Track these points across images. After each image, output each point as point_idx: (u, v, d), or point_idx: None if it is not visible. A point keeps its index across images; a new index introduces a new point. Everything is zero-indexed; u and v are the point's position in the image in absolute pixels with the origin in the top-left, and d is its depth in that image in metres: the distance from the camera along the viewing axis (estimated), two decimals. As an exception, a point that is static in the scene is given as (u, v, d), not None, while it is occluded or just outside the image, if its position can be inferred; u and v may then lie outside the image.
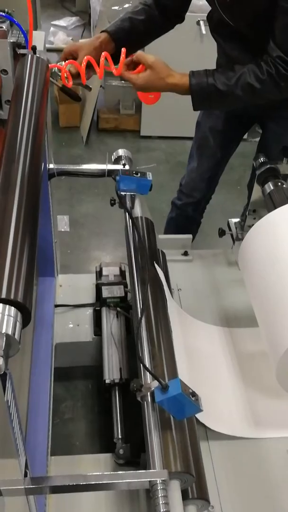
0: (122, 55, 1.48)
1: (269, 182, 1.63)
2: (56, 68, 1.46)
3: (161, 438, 1.11)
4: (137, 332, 1.31)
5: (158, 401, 1.10)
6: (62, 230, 1.91)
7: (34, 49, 1.27)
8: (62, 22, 5.17)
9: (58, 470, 1.42)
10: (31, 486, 0.95)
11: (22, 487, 0.95)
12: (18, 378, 1.42)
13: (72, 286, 1.98)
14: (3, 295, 0.72)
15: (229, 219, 1.93)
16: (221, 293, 1.89)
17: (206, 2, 1.64)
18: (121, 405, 1.61)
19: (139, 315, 1.31)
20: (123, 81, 1.56)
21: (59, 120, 3.74)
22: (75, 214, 2.97)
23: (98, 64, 1.45)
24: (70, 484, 0.98)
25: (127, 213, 1.52)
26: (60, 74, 1.46)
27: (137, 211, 1.65)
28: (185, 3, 1.71)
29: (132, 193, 1.52)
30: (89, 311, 1.90)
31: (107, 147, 3.59)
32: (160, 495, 0.99)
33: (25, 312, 0.73)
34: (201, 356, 1.62)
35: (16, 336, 0.70)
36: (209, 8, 1.66)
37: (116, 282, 1.88)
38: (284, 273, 1.33)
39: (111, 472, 1.38)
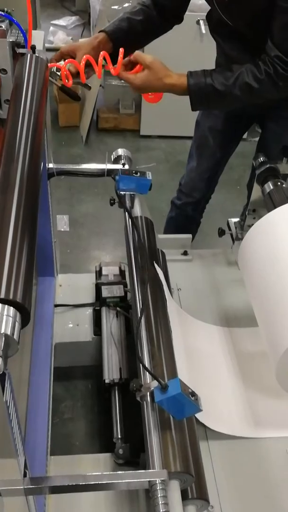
0: (120, 55, 1.48)
1: (269, 182, 1.63)
2: (55, 68, 1.46)
3: (160, 438, 1.11)
4: (137, 332, 1.31)
5: (157, 401, 1.10)
6: (62, 229, 1.91)
7: (33, 48, 1.26)
8: (61, 22, 5.17)
9: (58, 470, 1.42)
10: (31, 486, 0.95)
11: (21, 487, 0.95)
12: (18, 378, 1.42)
13: (71, 286, 1.98)
14: (2, 295, 0.72)
15: (229, 219, 1.93)
16: (221, 293, 1.88)
17: (206, 2, 1.63)
18: (120, 405, 1.61)
19: (139, 315, 1.31)
20: (122, 81, 1.55)
21: (59, 119, 3.74)
22: (75, 214, 2.97)
23: (97, 64, 1.45)
24: (70, 484, 0.98)
25: (126, 213, 1.51)
26: (59, 73, 1.46)
27: (137, 210, 1.65)
28: (183, 3, 1.71)
29: (131, 193, 1.52)
30: (88, 310, 1.90)
31: (106, 146, 3.59)
32: (159, 495, 0.99)
33: (24, 312, 0.73)
34: (201, 356, 1.61)
35: (15, 336, 0.70)
36: (208, 7, 1.66)
37: (115, 281, 1.88)
38: (284, 273, 1.33)
39: (111, 472, 1.38)
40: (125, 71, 1.52)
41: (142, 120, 3.69)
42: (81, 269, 2.56)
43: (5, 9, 1.28)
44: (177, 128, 3.56)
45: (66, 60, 1.48)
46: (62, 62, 1.48)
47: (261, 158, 1.68)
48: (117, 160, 1.60)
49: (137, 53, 1.52)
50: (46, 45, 1.51)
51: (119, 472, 1.27)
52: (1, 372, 0.70)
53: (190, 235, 2.09)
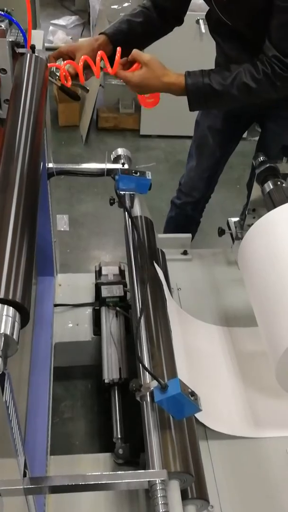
0: (118, 54, 1.48)
1: (269, 181, 1.63)
2: (54, 68, 1.46)
3: (160, 438, 1.11)
4: (136, 332, 1.31)
5: (157, 401, 1.10)
6: (62, 229, 1.91)
7: (33, 48, 1.26)
8: (61, 21, 5.17)
9: (58, 470, 1.42)
10: (30, 486, 0.95)
11: (21, 487, 0.95)
12: (18, 378, 1.42)
13: (71, 286, 1.98)
14: (2, 295, 0.72)
15: (229, 218, 1.92)
16: (221, 293, 1.88)
17: (204, 2, 1.63)
18: (120, 405, 1.61)
19: (139, 315, 1.31)
20: (122, 81, 1.55)
21: (59, 119, 3.74)
22: (75, 213, 2.97)
23: (95, 64, 1.45)
24: (69, 484, 0.98)
25: (126, 212, 1.51)
26: (58, 74, 1.46)
27: (137, 210, 1.65)
28: (183, 5, 1.71)
29: (131, 192, 1.52)
30: (88, 310, 1.90)
31: (106, 146, 3.59)
32: (159, 495, 0.99)
33: (23, 312, 0.73)
34: (201, 356, 1.61)
35: (15, 336, 0.70)
36: (208, 7, 1.66)
37: (115, 281, 1.88)
38: (283, 273, 1.33)
39: (110, 472, 1.38)
40: (123, 70, 1.51)
41: (142, 119, 3.69)
42: (80, 268, 2.56)
43: (5, 8, 1.28)
44: (177, 128, 3.56)
45: (65, 61, 1.48)
46: (61, 62, 1.48)
47: (261, 158, 1.67)
48: (116, 159, 1.60)
49: (135, 51, 1.51)
50: (46, 44, 1.51)
51: (119, 472, 1.27)
52: (0, 372, 0.69)
53: (190, 235, 2.09)
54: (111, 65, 1.49)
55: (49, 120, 1.57)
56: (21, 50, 1.27)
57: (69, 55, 1.53)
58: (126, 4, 3.47)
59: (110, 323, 1.78)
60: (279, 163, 1.66)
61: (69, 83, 1.48)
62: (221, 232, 1.90)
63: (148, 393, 1.14)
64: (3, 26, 1.25)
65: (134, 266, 1.49)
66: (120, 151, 1.61)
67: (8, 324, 0.70)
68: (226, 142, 2.04)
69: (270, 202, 1.57)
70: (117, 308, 1.82)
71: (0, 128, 1.24)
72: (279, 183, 1.61)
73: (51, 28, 4.88)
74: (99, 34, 1.62)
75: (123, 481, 1.02)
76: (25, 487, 0.95)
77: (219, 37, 1.74)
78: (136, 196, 1.55)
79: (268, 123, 1.90)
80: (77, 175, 1.58)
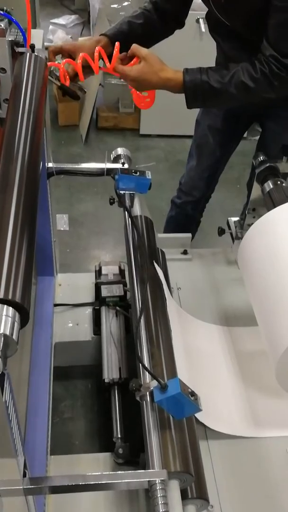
0: (116, 49, 1.48)
1: (269, 181, 1.62)
2: (54, 67, 1.46)
3: (160, 438, 1.11)
4: (136, 331, 1.31)
5: (157, 400, 1.10)
6: (61, 229, 1.91)
7: (32, 47, 1.26)
8: (61, 20, 5.16)
9: (58, 469, 1.42)
10: (30, 487, 0.95)
11: (21, 487, 0.95)
12: (17, 378, 1.42)
13: (71, 285, 1.98)
14: (1, 295, 0.72)
15: (229, 218, 1.92)
16: (221, 292, 1.88)
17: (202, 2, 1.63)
18: (120, 404, 1.61)
19: (138, 314, 1.31)
20: (122, 80, 1.54)
21: (58, 118, 3.74)
22: (74, 213, 2.97)
23: (93, 60, 1.46)
24: (69, 484, 0.98)
25: (126, 212, 1.51)
26: (57, 73, 1.46)
27: (137, 210, 1.65)
28: (184, 8, 1.71)
29: (131, 192, 1.51)
30: (88, 310, 1.89)
31: (106, 145, 3.59)
32: (159, 495, 0.99)
33: (23, 312, 0.73)
34: (201, 355, 1.61)
35: (14, 337, 0.70)
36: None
37: (115, 281, 1.88)
38: (283, 272, 1.32)
39: (110, 472, 1.38)
40: (121, 65, 1.51)
41: (142, 119, 3.69)
42: (80, 268, 2.56)
43: (4, 8, 1.28)
44: (177, 127, 3.56)
45: (64, 60, 1.48)
46: (60, 61, 1.48)
47: (261, 157, 1.67)
48: (116, 159, 1.59)
49: (134, 46, 1.50)
50: (46, 44, 1.51)
51: (119, 472, 1.27)
52: (0, 372, 0.69)
53: (189, 234, 2.09)
54: (110, 61, 1.49)
55: (49, 119, 1.57)
56: (20, 50, 1.27)
57: (69, 54, 1.52)
58: (126, 3, 3.47)
59: (110, 322, 1.78)
60: (279, 163, 1.66)
61: (67, 82, 1.48)
62: (221, 231, 1.90)
63: (148, 393, 1.14)
64: (2, 25, 1.25)
65: (134, 266, 1.49)
66: (120, 150, 1.61)
67: (8, 324, 0.70)
68: (226, 142, 2.04)
69: (270, 202, 1.57)
70: (117, 308, 1.82)
71: (0, 127, 1.24)
72: (279, 182, 1.61)
73: (51, 27, 4.87)
74: (100, 35, 1.62)
75: (123, 481, 1.02)
76: (25, 487, 0.95)
77: (218, 37, 1.74)
78: (136, 196, 1.55)
79: (268, 123, 1.90)
80: (76, 175, 1.58)
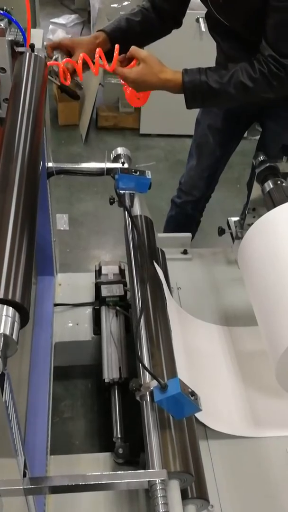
0: (116, 51, 1.48)
1: (269, 181, 1.62)
2: (53, 66, 1.47)
3: (160, 438, 1.11)
4: (136, 331, 1.31)
5: (157, 400, 1.10)
6: (61, 228, 1.91)
7: (32, 47, 1.26)
8: (61, 20, 5.15)
9: (58, 469, 1.42)
10: (30, 487, 0.95)
11: (21, 487, 0.94)
12: (17, 377, 1.42)
13: (71, 285, 1.98)
14: (1, 295, 0.72)
15: (229, 218, 1.92)
16: (221, 292, 1.88)
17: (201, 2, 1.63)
18: (120, 404, 1.61)
19: (138, 314, 1.31)
20: (119, 77, 1.55)
21: (58, 118, 3.73)
22: (74, 213, 2.97)
23: (93, 62, 1.46)
24: (69, 484, 0.98)
25: (126, 212, 1.51)
26: (56, 70, 1.46)
27: (136, 209, 1.65)
28: (181, 7, 1.71)
29: (131, 192, 1.51)
30: (88, 310, 1.89)
31: (106, 145, 3.59)
32: (159, 495, 0.99)
33: (23, 312, 0.73)
34: (201, 355, 1.61)
35: (14, 337, 0.70)
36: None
37: (115, 281, 1.88)
38: (284, 272, 1.32)
39: (110, 472, 1.38)
40: (120, 67, 1.51)
41: (142, 118, 3.69)
42: (80, 268, 2.56)
43: (4, 7, 1.28)
44: (177, 127, 3.55)
45: (64, 59, 1.48)
46: (58, 58, 1.49)
47: (261, 157, 1.67)
48: (116, 159, 1.59)
49: (133, 48, 1.51)
50: (46, 43, 1.51)
51: (119, 472, 1.27)
52: (0, 372, 0.69)
53: (190, 234, 2.08)
54: (109, 62, 1.49)
55: (49, 119, 1.57)
56: (20, 49, 1.26)
57: (67, 49, 1.53)
58: (125, 3, 3.47)
59: (110, 322, 1.78)
60: (279, 163, 1.66)
61: (68, 81, 1.48)
62: (221, 231, 1.90)
63: (148, 393, 1.14)
64: (2, 25, 1.25)
65: (134, 266, 1.49)
66: (119, 150, 1.61)
67: (8, 324, 0.70)
68: (226, 141, 2.04)
69: (270, 202, 1.57)
70: (117, 308, 1.82)
71: (0, 127, 1.24)
72: (279, 182, 1.61)
73: (50, 27, 4.87)
74: (98, 31, 1.62)
75: (123, 481, 1.02)
76: (25, 487, 0.95)
77: (218, 37, 1.74)
78: (136, 195, 1.55)
79: (268, 123, 1.90)
80: (76, 175, 1.58)
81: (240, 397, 1.52)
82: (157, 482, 1.01)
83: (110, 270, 1.92)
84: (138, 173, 1.49)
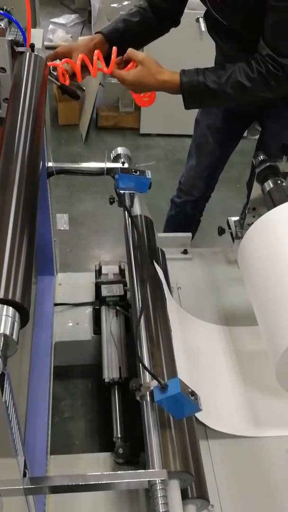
0: (113, 54, 1.49)
1: (269, 180, 1.62)
2: (52, 66, 1.46)
3: (160, 438, 1.11)
4: (136, 331, 1.31)
5: (157, 400, 1.10)
6: (62, 228, 1.91)
7: (32, 47, 1.26)
8: (61, 20, 5.16)
9: (58, 469, 1.42)
10: (30, 486, 0.95)
11: (21, 487, 0.94)
12: (17, 377, 1.42)
13: (71, 285, 1.98)
14: (1, 295, 0.71)
15: (229, 217, 1.92)
16: (221, 292, 1.88)
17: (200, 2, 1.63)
18: (120, 404, 1.61)
19: (139, 314, 1.31)
20: (117, 79, 1.55)
21: (58, 118, 3.73)
22: (75, 213, 2.97)
23: (92, 64, 1.46)
24: (69, 484, 0.98)
25: (126, 212, 1.51)
26: (55, 72, 1.46)
27: (136, 209, 1.65)
28: (179, 5, 1.71)
29: (131, 191, 1.51)
30: (88, 309, 1.89)
31: (106, 145, 3.59)
32: (159, 495, 0.99)
33: (23, 312, 0.73)
34: (201, 355, 1.61)
35: (14, 336, 0.70)
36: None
37: (115, 280, 1.88)
38: (284, 272, 1.32)
39: (110, 472, 1.38)
40: (118, 69, 1.52)
41: (142, 118, 3.69)
42: (80, 268, 2.56)
43: (4, 7, 1.28)
44: (177, 127, 3.55)
45: (63, 60, 1.48)
46: (58, 61, 1.49)
47: (261, 157, 1.67)
48: (116, 158, 1.59)
49: (130, 50, 1.52)
50: (46, 43, 1.51)
51: (119, 472, 1.27)
52: (0, 372, 0.69)
53: (190, 234, 2.08)
54: (107, 64, 1.49)
55: (49, 119, 1.57)
56: (20, 49, 1.27)
57: (65, 56, 1.53)
58: (125, 3, 3.47)
59: (110, 322, 1.78)
60: (279, 162, 1.66)
61: (67, 82, 1.48)
62: (221, 231, 1.90)
63: (148, 393, 1.14)
64: (2, 24, 1.25)
65: (134, 265, 1.49)
66: (119, 150, 1.61)
67: (8, 324, 0.70)
68: (226, 141, 2.04)
69: (270, 201, 1.57)
70: (117, 307, 1.82)
71: (0, 127, 1.24)
72: (279, 182, 1.61)
73: (50, 26, 4.87)
74: (95, 33, 1.62)
75: (123, 481, 1.02)
76: (25, 487, 0.95)
77: (217, 36, 1.74)
78: (136, 195, 1.55)
79: (267, 122, 1.90)
80: (76, 174, 1.58)
81: (240, 396, 1.52)
82: (157, 482, 1.01)
83: (110, 270, 1.92)
84: (138, 172, 1.49)
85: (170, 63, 1.54)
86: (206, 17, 1.72)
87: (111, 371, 1.65)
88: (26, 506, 1.02)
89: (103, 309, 1.82)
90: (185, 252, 2.03)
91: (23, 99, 1.12)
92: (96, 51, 1.48)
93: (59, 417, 1.84)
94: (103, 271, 1.92)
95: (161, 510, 0.98)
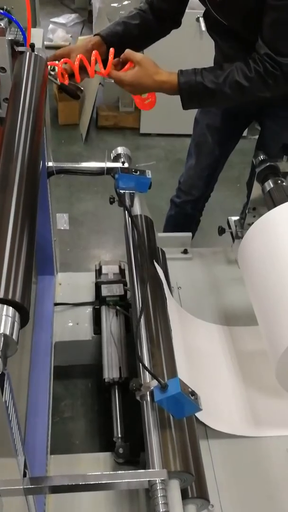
0: (110, 56, 1.49)
1: (269, 180, 1.62)
2: (52, 66, 1.46)
3: (160, 438, 1.11)
4: (137, 331, 1.31)
5: (157, 400, 1.10)
6: (62, 228, 1.91)
7: (32, 46, 1.26)
8: (61, 19, 5.16)
9: (58, 469, 1.42)
10: (30, 486, 0.95)
11: (21, 487, 0.94)
12: (18, 377, 1.42)
13: (71, 285, 1.98)
14: (1, 295, 0.71)
15: (229, 217, 1.92)
16: (221, 292, 1.88)
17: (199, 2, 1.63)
18: (120, 404, 1.61)
19: (139, 314, 1.31)
20: (115, 81, 1.55)
21: (58, 117, 3.73)
22: (75, 212, 2.97)
23: (90, 64, 1.46)
24: (69, 484, 0.98)
25: (126, 211, 1.51)
26: (53, 73, 1.46)
27: (137, 209, 1.65)
28: (180, 6, 1.71)
29: (131, 191, 1.51)
30: (88, 309, 1.89)
31: (106, 144, 3.59)
32: (159, 495, 0.99)
33: (23, 312, 0.73)
34: (201, 355, 1.61)
35: (14, 336, 0.70)
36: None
37: (115, 280, 1.88)
38: (284, 272, 1.32)
39: (110, 472, 1.38)
40: (115, 70, 1.51)
41: (142, 118, 3.69)
42: (81, 267, 2.56)
43: (4, 7, 1.28)
44: (177, 126, 3.55)
45: (62, 60, 1.48)
46: (57, 61, 1.49)
47: (261, 156, 1.67)
48: (116, 158, 1.59)
49: (127, 51, 1.51)
50: (46, 43, 1.51)
51: (119, 472, 1.27)
52: (0, 372, 0.69)
53: (190, 234, 2.08)
54: (105, 66, 1.49)
55: (49, 118, 1.57)
56: (20, 49, 1.27)
57: (64, 58, 1.53)
58: (126, 2, 3.47)
59: (110, 322, 1.78)
60: (279, 162, 1.66)
61: (66, 81, 1.48)
62: (221, 231, 1.90)
63: (148, 393, 1.13)
64: (2, 24, 1.25)
65: (134, 265, 1.49)
66: (120, 149, 1.61)
67: (8, 324, 0.70)
68: (225, 141, 2.04)
69: (271, 201, 1.57)
70: (117, 307, 1.82)
71: (0, 127, 1.24)
72: (279, 182, 1.61)
73: (51, 26, 4.87)
74: (94, 35, 1.62)
75: (123, 480, 1.02)
76: (25, 487, 0.95)
77: (216, 36, 1.74)
78: (136, 195, 1.55)
79: (267, 122, 1.90)
80: (77, 174, 1.58)
81: (240, 396, 1.52)
82: (157, 481, 1.01)
83: (110, 270, 1.92)
84: (138, 172, 1.49)
85: (170, 63, 1.53)
86: (206, 17, 1.72)
87: (111, 371, 1.65)
88: (26, 506, 1.02)
89: (103, 309, 1.82)
90: (185, 252, 2.03)
91: (23, 99, 1.12)
92: (94, 52, 1.48)
93: (59, 417, 1.84)
94: (103, 271, 1.92)
95: (161, 510, 0.98)
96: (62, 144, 3.59)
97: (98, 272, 1.92)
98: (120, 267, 1.94)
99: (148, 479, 1.02)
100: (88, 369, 1.91)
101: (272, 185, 1.61)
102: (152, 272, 1.49)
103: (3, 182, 0.91)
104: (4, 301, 0.71)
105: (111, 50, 1.49)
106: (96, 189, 3.14)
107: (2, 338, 0.68)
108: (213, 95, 1.52)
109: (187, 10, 1.74)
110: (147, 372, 1.17)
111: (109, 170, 1.53)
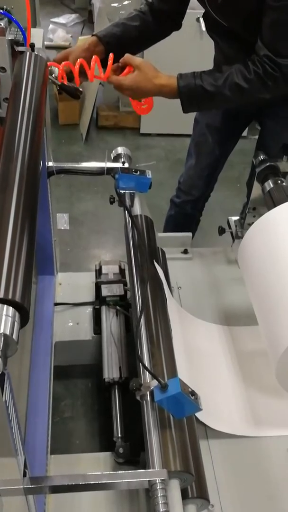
0: (110, 60, 1.49)
1: (269, 180, 1.62)
2: (52, 66, 1.46)
3: (160, 437, 1.11)
4: (137, 331, 1.31)
5: (157, 400, 1.10)
6: (62, 228, 1.91)
7: (32, 46, 1.26)
8: (61, 19, 5.16)
9: (58, 469, 1.42)
10: (30, 486, 0.95)
11: (21, 487, 0.94)
12: (18, 377, 1.42)
13: (71, 285, 1.98)
14: (1, 295, 0.71)
15: (229, 217, 1.92)
16: (221, 291, 1.88)
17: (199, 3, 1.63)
18: (120, 404, 1.61)
19: (139, 314, 1.31)
20: (114, 86, 1.55)
21: (59, 117, 3.74)
22: (75, 212, 2.97)
23: (89, 68, 1.46)
24: (69, 484, 0.98)
25: (126, 211, 1.51)
26: (53, 75, 1.47)
27: (137, 209, 1.65)
28: (181, 7, 1.71)
29: (131, 191, 1.51)
30: (88, 309, 1.89)
31: (106, 144, 3.59)
32: (159, 495, 0.99)
33: (23, 312, 0.73)
34: (201, 355, 1.61)
35: (14, 336, 0.70)
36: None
37: (115, 280, 1.88)
38: (284, 272, 1.32)
39: (111, 472, 1.38)
40: (115, 75, 1.52)
41: (142, 118, 3.69)
42: (81, 267, 2.56)
43: (4, 7, 1.28)
44: (177, 126, 3.55)
45: (63, 62, 1.48)
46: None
47: (261, 156, 1.67)
48: (116, 158, 1.59)
49: (127, 55, 1.52)
50: (46, 43, 1.51)
51: (119, 471, 1.27)
52: (0, 372, 0.69)
53: (190, 234, 2.08)
54: (104, 70, 1.49)
55: (49, 118, 1.57)
56: (20, 49, 1.27)
57: (63, 61, 1.53)
58: (126, 2, 3.47)
59: (110, 322, 1.78)
60: (279, 162, 1.66)
61: (65, 82, 1.48)
62: (221, 231, 1.90)
63: (148, 393, 1.13)
64: (2, 24, 1.25)
65: (134, 265, 1.49)
66: (120, 149, 1.61)
67: (8, 324, 0.70)
68: (225, 140, 2.04)
69: (271, 201, 1.57)
70: (117, 307, 1.82)
71: (0, 126, 1.24)
72: (279, 182, 1.61)
73: (51, 26, 4.87)
74: (92, 35, 1.63)
75: (123, 480, 1.02)
76: (25, 487, 0.95)
77: (216, 36, 1.74)
78: (136, 195, 1.55)
79: (267, 122, 1.90)
80: (77, 174, 1.58)
81: (240, 396, 1.52)
82: (157, 481, 1.01)
83: (110, 270, 1.92)
84: (138, 172, 1.49)
85: (170, 63, 1.54)
86: (206, 18, 1.72)
87: (111, 371, 1.65)
88: (26, 506, 1.02)
89: (103, 309, 1.82)
90: (185, 251, 2.03)
91: (23, 99, 1.12)
92: (94, 57, 1.48)
93: (59, 417, 1.84)
94: (103, 270, 1.92)
95: (161, 510, 0.98)
96: (62, 144, 3.59)
97: (98, 272, 1.92)
98: (120, 267, 1.94)
99: (148, 479, 1.02)
100: (88, 369, 1.92)
101: (272, 185, 1.61)
102: (152, 272, 1.49)
103: (3, 182, 0.91)
104: (4, 301, 0.71)
105: (111, 55, 1.50)
106: (96, 189, 3.14)
107: (2, 338, 0.68)
108: (212, 98, 1.52)
109: (187, 10, 1.74)
110: (147, 372, 1.17)
111: (109, 170, 1.53)
